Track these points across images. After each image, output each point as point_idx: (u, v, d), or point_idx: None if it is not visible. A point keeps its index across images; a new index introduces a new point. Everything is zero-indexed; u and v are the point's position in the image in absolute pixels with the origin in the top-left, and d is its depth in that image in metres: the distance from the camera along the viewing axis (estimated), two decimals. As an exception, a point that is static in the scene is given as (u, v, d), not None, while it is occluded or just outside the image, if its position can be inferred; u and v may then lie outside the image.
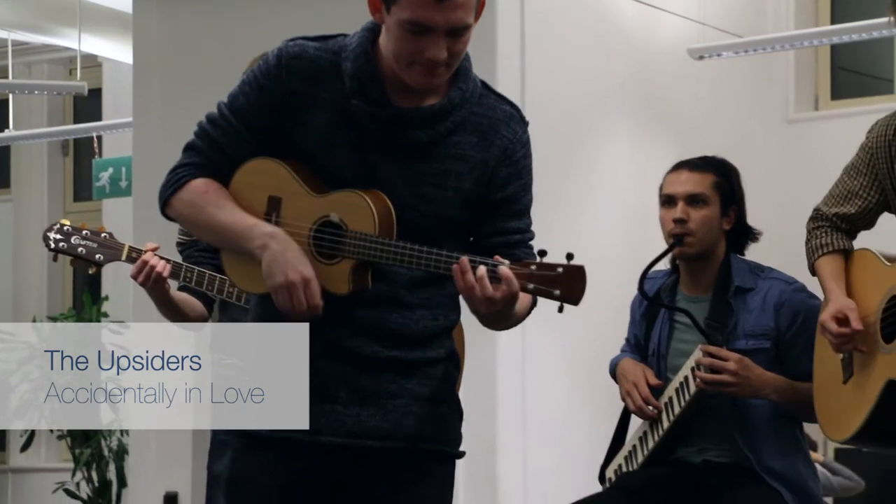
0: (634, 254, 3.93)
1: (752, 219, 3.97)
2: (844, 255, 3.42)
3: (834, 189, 3.45)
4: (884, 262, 3.33)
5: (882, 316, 3.25)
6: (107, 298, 9.80)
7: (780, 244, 7.77)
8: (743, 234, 3.87)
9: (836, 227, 3.41)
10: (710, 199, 3.79)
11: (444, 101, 2.65)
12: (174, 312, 3.82)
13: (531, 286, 2.49)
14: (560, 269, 2.48)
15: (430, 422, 2.73)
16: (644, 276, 3.81)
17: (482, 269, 2.51)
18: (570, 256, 2.50)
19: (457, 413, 2.81)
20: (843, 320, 3.27)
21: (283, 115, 2.67)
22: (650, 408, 3.77)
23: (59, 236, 3.68)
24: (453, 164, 2.67)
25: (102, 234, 3.68)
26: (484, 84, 2.75)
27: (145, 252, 3.64)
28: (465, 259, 2.53)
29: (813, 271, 3.48)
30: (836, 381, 3.39)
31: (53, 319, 10.10)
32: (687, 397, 3.71)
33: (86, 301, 9.81)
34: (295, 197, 2.65)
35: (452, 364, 2.80)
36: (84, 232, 3.68)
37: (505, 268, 2.50)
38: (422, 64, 2.58)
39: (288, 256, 2.59)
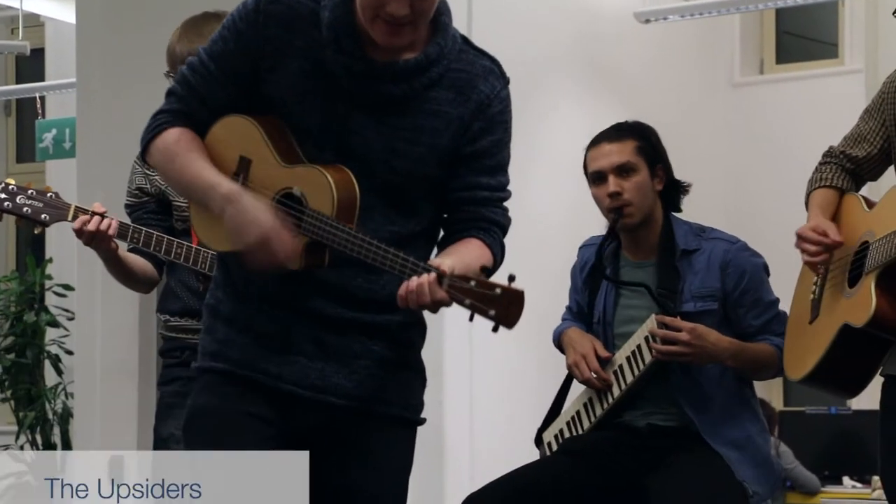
0: (580, 219, 3.93)
1: (698, 181, 3.98)
2: (840, 193, 3.41)
3: (850, 131, 3.44)
4: (864, 208, 3.33)
5: (852, 260, 3.26)
6: (51, 261, 9.72)
7: (725, 205, 7.83)
8: (674, 190, 3.87)
9: (840, 165, 3.41)
10: (637, 164, 3.79)
11: (420, 57, 2.61)
12: (122, 273, 3.78)
13: (467, 301, 2.44)
14: (498, 290, 2.43)
15: (393, 386, 2.72)
16: (601, 254, 3.81)
17: (417, 283, 2.47)
18: (511, 278, 2.45)
19: (420, 380, 2.80)
20: (821, 234, 3.27)
21: (258, 61, 2.63)
22: (599, 379, 3.77)
23: (3, 195, 3.63)
24: (428, 120, 2.63)
25: (48, 194, 3.63)
26: (465, 39, 2.71)
27: (91, 213, 3.60)
28: (412, 284, 2.48)
29: (807, 204, 3.47)
30: (803, 322, 3.40)
31: (-4, 281, 10.02)
32: (641, 366, 3.72)
33: (29, 263, 9.73)
34: (264, 162, 2.63)
35: (418, 331, 2.77)
36: (30, 191, 3.63)
37: (442, 291, 2.45)
38: (384, 20, 2.54)
39: (246, 218, 2.55)
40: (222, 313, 2.72)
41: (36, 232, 3.69)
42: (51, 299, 9.59)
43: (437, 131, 2.63)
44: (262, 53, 2.62)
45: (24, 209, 3.61)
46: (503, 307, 2.42)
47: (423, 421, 2.81)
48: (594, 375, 3.77)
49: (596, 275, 3.88)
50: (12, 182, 3.64)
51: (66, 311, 9.22)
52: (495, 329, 2.46)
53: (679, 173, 3.89)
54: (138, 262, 3.79)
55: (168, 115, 2.68)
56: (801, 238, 3.31)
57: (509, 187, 2.76)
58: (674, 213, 3.86)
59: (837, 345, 3.22)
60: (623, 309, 3.84)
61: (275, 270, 2.58)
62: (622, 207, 3.75)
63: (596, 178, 3.81)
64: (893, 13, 3.34)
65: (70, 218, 3.60)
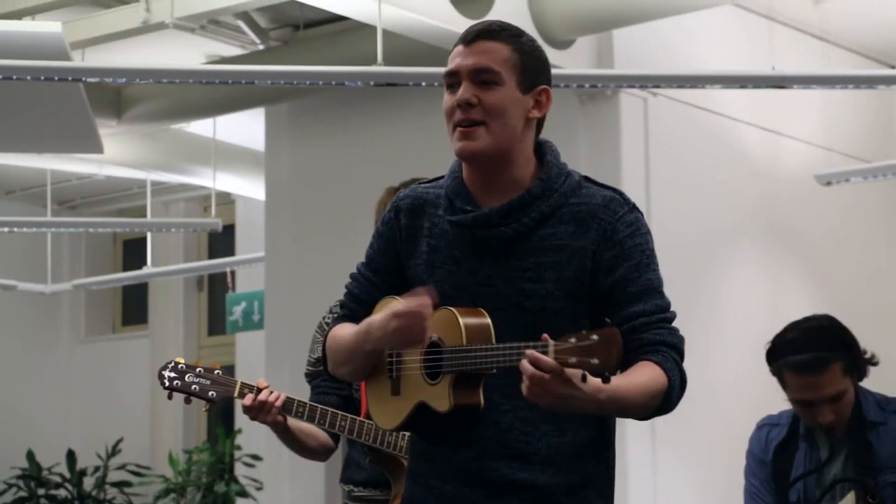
0: (765, 383, 3.87)
1: (890, 350, 3.87)
2: None
3: None
4: None
5: None
6: (240, 431, 9.90)
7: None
8: (863, 366, 3.80)
9: None
10: (847, 387, 3.70)
11: (524, 194, 2.65)
12: (295, 445, 3.81)
13: (573, 360, 2.38)
14: (596, 337, 2.37)
15: None
16: (794, 430, 3.76)
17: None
18: (606, 324, 2.42)
19: None
20: None
21: (399, 253, 2.77)
22: None
23: (173, 374, 3.71)
24: (549, 256, 2.64)
25: (216, 371, 3.70)
26: (587, 178, 2.74)
27: (256, 388, 3.67)
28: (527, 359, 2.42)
29: None
30: None
31: (188, 453, 10.22)
32: None
33: (219, 434, 9.92)
34: None
35: (594, 492, 2.65)
36: (198, 369, 3.71)
37: (531, 358, 2.40)
38: (457, 124, 2.63)
39: (378, 321, 2.64)
40: (406, 497, 2.77)
41: (204, 410, 3.77)
42: (240, 469, 9.74)
43: (560, 265, 2.63)
44: (400, 244, 2.76)
45: (193, 387, 3.69)
46: (604, 352, 2.37)
47: None
48: None
49: (788, 450, 3.80)
50: (182, 361, 3.74)
51: (255, 480, 9.35)
52: (604, 378, 2.40)
53: (867, 341, 3.81)
54: (312, 431, 3.82)
55: (334, 321, 2.85)
56: None
57: (673, 309, 2.70)
58: (860, 385, 3.79)
59: None
60: (823, 487, 3.75)
61: (423, 326, 2.60)
62: (833, 428, 3.72)
63: (805, 404, 3.72)
64: None
65: (236, 395, 3.68)
